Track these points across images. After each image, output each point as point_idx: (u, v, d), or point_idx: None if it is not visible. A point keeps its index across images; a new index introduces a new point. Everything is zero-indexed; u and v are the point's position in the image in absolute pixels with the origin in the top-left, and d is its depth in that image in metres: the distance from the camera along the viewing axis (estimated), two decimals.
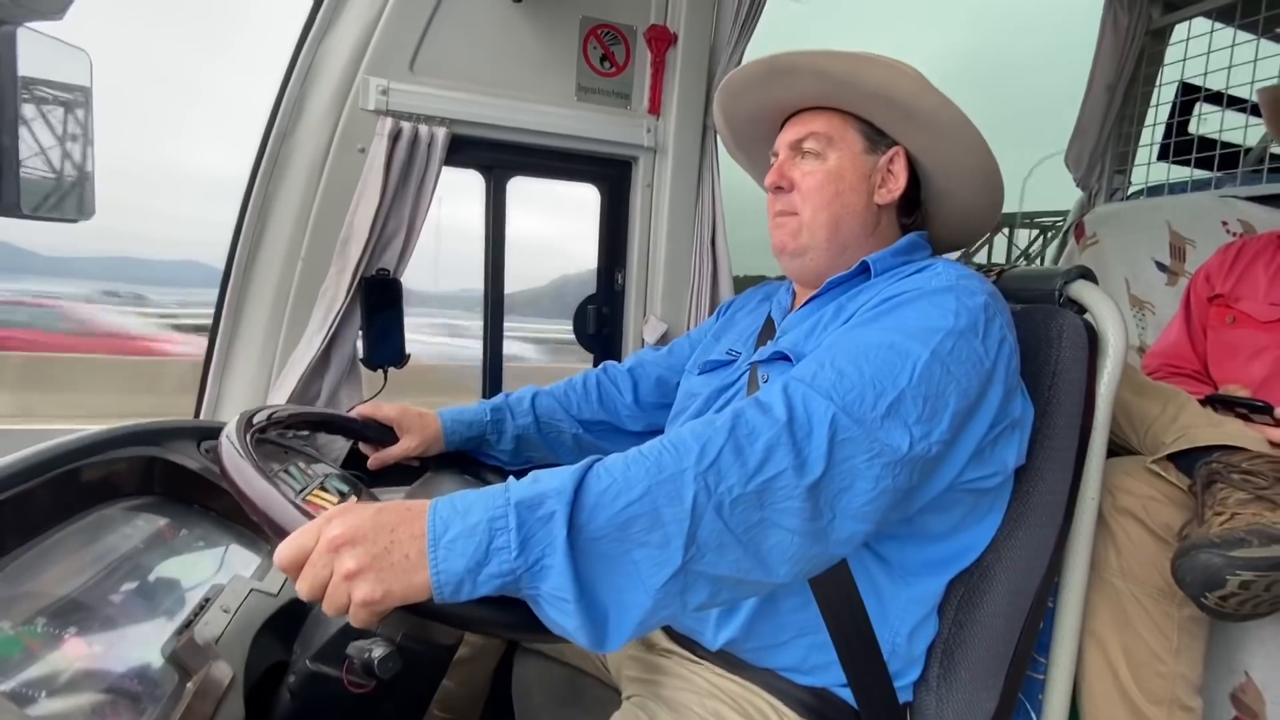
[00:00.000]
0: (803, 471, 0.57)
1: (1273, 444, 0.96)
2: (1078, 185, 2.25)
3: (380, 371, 1.38)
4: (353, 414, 1.07)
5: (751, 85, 0.92)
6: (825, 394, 0.61)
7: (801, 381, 0.62)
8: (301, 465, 0.92)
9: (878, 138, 0.88)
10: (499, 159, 1.50)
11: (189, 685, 0.62)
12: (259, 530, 0.88)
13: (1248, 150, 2.02)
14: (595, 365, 1.76)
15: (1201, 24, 2.01)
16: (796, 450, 0.57)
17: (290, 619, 0.80)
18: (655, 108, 1.58)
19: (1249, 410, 1.02)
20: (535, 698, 1.05)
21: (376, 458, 1.06)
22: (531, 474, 0.56)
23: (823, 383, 0.62)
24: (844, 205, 0.86)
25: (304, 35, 1.29)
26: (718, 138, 1.58)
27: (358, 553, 0.50)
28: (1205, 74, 2.01)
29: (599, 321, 1.70)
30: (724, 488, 0.55)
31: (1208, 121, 2.08)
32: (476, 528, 0.51)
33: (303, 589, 0.52)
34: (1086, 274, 0.90)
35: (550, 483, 0.54)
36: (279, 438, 1.17)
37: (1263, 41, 1.90)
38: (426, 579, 0.51)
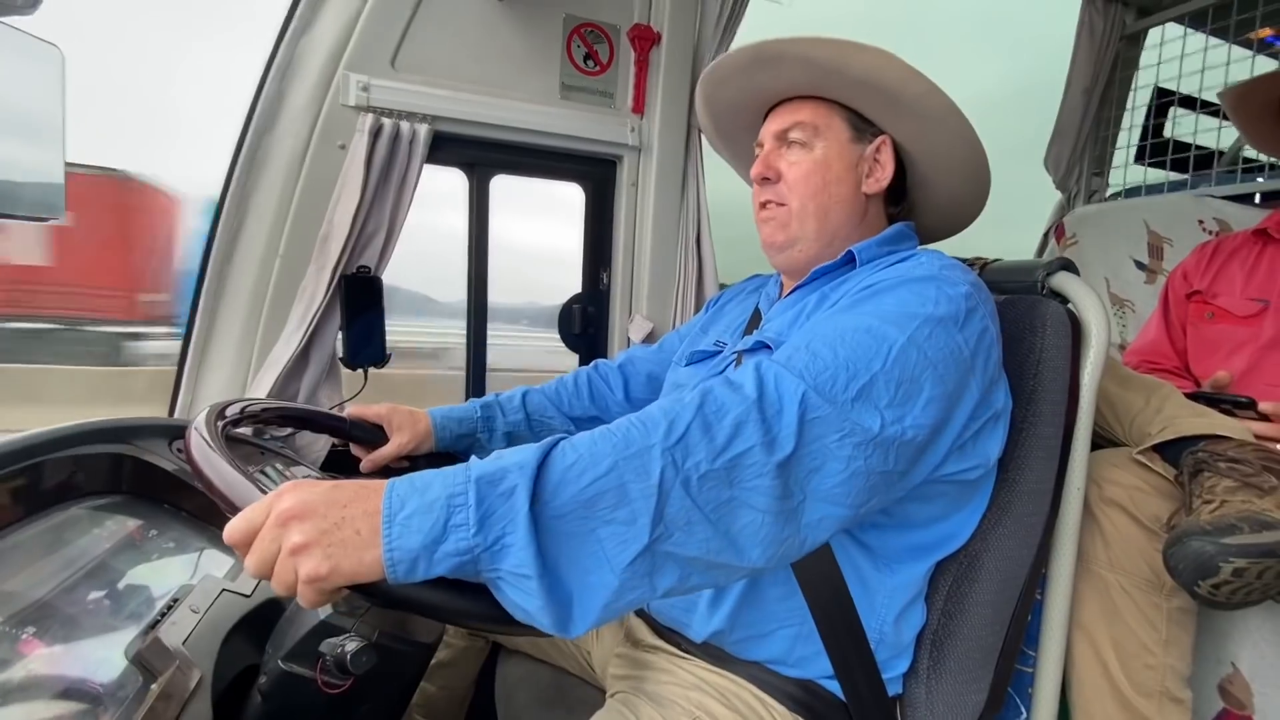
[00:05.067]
0: (772, 449, 0.55)
1: (1257, 436, 0.97)
2: (1057, 187, 2.28)
3: (360, 372, 1.36)
4: (344, 415, 1.04)
5: (736, 73, 0.91)
6: (797, 373, 0.60)
7: (774, 362, 0.61)
8: (279, 466, 0.89)
9: (864, 126, 0.87)
10: (481, 157, 1.49)
11: (153, 687, 0.59)
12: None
13: (1221, 153, 2.06)
14: (581, 365, 1.75)
15: (1175, 29, 2.05)
16: (766, 427, 0.56)
17: (263, 622, 0.77)
18: (639, 107, 1.58)
19: (1233, 406, 1.03)
20: (519, 700, 1.02)
21: (370, 460, 1.03)
22: (496, 451, 0.53)
23: (795, 363, 0.61)
24: (831, 195, 0.85)
25: (283, 30, 1.27)
26: (702, 137, 1.58)
27: (306, 527, 0.48)
28: (1179, 77, 2.05)
29: (584, 321, 1.68)
30: (691, 463, 0.53)
31: (1182, 124, 2.12)
32: (434, 504, 0.49)
33: (250, 564, 0.50)
34: (1068, 265, 0.90)
35: (513, 458, 0.51)
36: (256, 438, 1.15)
37: (1233, 47, 1.94)
38: (378, 556, 0.48)
